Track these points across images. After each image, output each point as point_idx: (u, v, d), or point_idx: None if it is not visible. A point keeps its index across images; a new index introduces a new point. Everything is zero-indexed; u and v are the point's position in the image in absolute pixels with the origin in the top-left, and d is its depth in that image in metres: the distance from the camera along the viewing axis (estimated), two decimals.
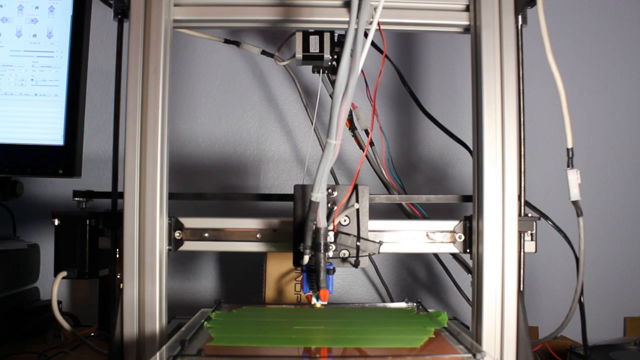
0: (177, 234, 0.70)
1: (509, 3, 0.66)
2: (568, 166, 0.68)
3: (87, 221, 0.75)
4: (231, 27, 0.92)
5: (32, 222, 1.15)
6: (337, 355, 0.57)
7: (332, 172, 0.99)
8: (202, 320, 0.66)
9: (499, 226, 0.65)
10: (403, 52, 1.20)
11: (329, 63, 0.75)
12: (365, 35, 0.57)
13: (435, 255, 1.03)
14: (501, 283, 0.64)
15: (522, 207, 0.68)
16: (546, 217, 0.80)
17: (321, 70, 0.81)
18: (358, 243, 0.66)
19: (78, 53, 0.93)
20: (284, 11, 0.69)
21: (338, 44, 0.74)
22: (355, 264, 0.66)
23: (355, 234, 0.67)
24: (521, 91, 0.67)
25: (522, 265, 0.66)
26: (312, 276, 0.64)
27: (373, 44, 0.85)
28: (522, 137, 0.67)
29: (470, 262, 0.70)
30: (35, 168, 0.92)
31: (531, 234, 0.68)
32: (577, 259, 0.70)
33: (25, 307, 1.01)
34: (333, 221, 0.65)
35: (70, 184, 0.97)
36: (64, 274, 0.74)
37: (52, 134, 0.93)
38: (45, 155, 0.92)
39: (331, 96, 0.68)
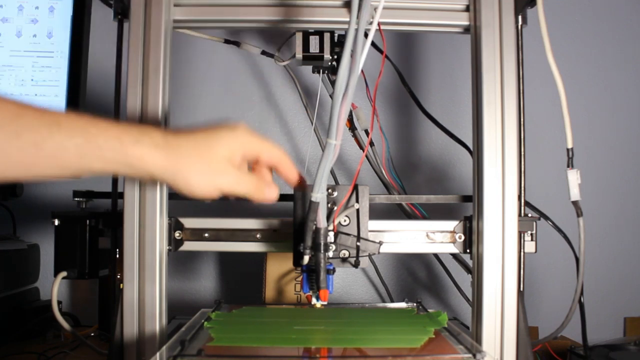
0: (177, 234, 0.70)
1: (509, 3, 0.66)
2: (568, 166, 0.68)
3: (87, 221, 0.75)
4: (231, 27, 0.92)
5: (32, 222, 1.15)
6: (337, 355, 0.57)
7: (332, 172, 0.99)
8: (202, 320, 0.66)
9: (499, 226, 0.65)
10: (403, 52, 1.20)
11: (329, 63, 0.75)
12: (366, 35, 0.57)
13: (435, 255, 1.03)
14: (501, 283, 0.64)
15: (522, 207, 0.68)
16: (546, 217, 0.80)
17: (321, 70, 0.81)
18: (358, 243, 0.66)
19: (78, 53, 0.93)
20: (284, 11, 0.69)
21: (338, 44, 0.74)
22: (355, 264, 0.66)
23: (355, 234, 0.67)
24: (521, 91, 0.67)
25: (522, 265, 0.66)
26: (312, 276, 0.64)
27: (373, 44, 0.85)
28: (522, 137, 0.67)
29: (470, 262, 0.70)
30: None
31: (531, 234, 0.68)
32: (577, 259, 0.70)
33: (25, 307, 1.01)
34: (333, 221, 0.65)
35: (70, 184, 0.97)
36: (64, 274, 0.74)
37: None
38: None
39: (331, 96, 0.68)
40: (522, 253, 0.67)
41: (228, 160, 0.52)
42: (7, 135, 0.41)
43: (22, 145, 0.42)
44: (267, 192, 0.56)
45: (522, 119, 0.67)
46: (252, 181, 0.55)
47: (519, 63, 0.67)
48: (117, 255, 0.66)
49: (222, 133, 0.52)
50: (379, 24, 0.62)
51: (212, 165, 0.51)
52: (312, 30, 0.73)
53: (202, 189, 0.51)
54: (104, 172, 0.47)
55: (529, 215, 0.68)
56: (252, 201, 0.57)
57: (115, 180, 0.69)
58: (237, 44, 0.87)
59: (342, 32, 0.73)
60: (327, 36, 0.73)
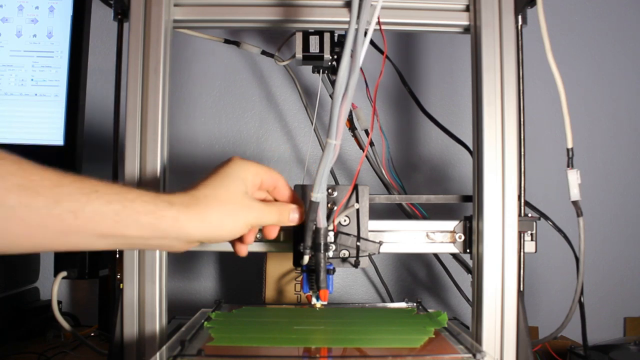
0: None
1: (509, 3, 0.66)
2: (568, 166, 0.68)
3: None
4: (231, 27, 0.92)
5: None
6: (337, 355, 0.57)
7: (332, 172, 0.99)
8: (202, 320, 0.66)
9: (499, 226, 0.65)
10: (403, 52, 1.20)
11: (329, 63, 0.75)
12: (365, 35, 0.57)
13: (435, 255, 1.03)
14: (501, 283, 0.64)
15: (522, 207, 0.68)
16: (546, 217, 0.80)
17: (321, 70, 0.81)
18: (358, 243, 0.66)
19: (78, 53, 0.93)
20: (284, 11, 0.69)
21: (338, 44, 0.74)
22: (355, 264, 0.66)
23: (355, 234, 0.67)
24: (521, 91, 0.67)
25: (522, 265, 0.66)
26: (312, 276, 0.64)
27: (374, 44, 0.86)
28: (522, 137, 0.67)
29: (470, 262, 0.70)
30: None
31: (531, 234, 0.68)
32: (577, 259, 0.70)
33: (25, 307, 1.01)
34: (333, 221, 0.65)
35: None
36: (64, 274, 0.74)
37: (52, 134, 0.93)
38: (45, 155, 0.92)
39: (331, 96, 0.68)
40: (522, 253, 0.66)
41: (246, 194, 0.54)
42: (47, 203, 0.42)
43: (60, 213, 0.43)
44: (292, 214, 0.58)
45: (522, 119, 0.67)
46: (274, 208, 0.57)
47: (519, 63, 0.67)
48: (117, 255, 0.66)
49: (228, 171, 0.54)
50: (379, 22, 0.62)
51: (236, 205, 0.53)
52: (312, 30, 0.73)
53: (237, 229, 0.53)
54: (138, 239, 0.48)
55: (529, 215, 0.68)
56: (270, 233, 0.59)
57: (115, 181, 0.69)
58: (237, 44, 0.87)
59: (342, 32, 0.73)
60: (327, 36, 0.73)
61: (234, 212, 0.52)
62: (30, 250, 0.45)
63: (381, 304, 0.87)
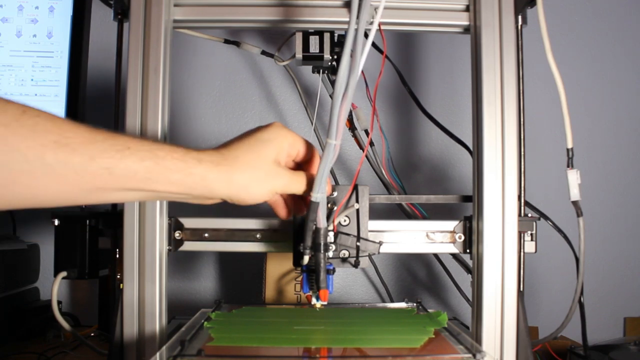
0: (177, 234, 0.70)
1: (509, 3, 0.66)
2: (568, 166, 0.68)
3: (87, 221, 0.75)
4: (231, 27, 0.92)
5: (32, 222, 1.15)
6: (337, 355, 0.57)
7: (332, 172, 0.99)
8: (202, 320, 0.66)
9: (499, 226, 0.65)
10: (403, 52, 1.20)
11: (329, 63, 0.75)
12: (366, 35, 0.57)
13: (435, 255, 1.03)
14: (501, 283, 0.64)
15: (522, 207, 0.68)
16: (546, 217, 0.80)
17: (321, 70, 0.81)
18: (358, 243, 0.66)
19: (78, 53, 0.93)
20: (284, 11, 0.69)
21: (338, 44, 0.74)
22: (355, 264, 0.66)
23: (355, 234, 0.67)
24: (521, 91, 0.67)
25: (522, 265, 0.66)
26: (312, 276, 0.64)
27: (373, 44, 0.85)
28: (522, 137, 0.67)
29: (470, 262, 0.70)
30: None
31: (531, 234, 0.68)
32: (577, 259, 0.70)
33: (25, 307, 1.01)
34: (333, 221, 0.65)
35: None
36: (64, 274, 0.74)
37: None
38: None
39: (331, 96, 0.68)
40: (522, 253, 0.66)
41: (276, 162, 0.55)
42: (83, 160, 0.43)
43: (95, 169, 0.43)
44: None
45: (522, 119, 0.67)
46: (303, 178, 0.57)
47: (519, 63, 0.67)
48: (117, 255, 0.66)
49: (264, 136, 0.55)
50: (379, 24, 0.62)
51: (265, 171, 0.53)
52: (312, 30, 0.73)
53: (262, 195, 0.54)
54: (166, 194, 0.49)
55: (529, 215, 0.68)
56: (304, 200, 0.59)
57: None
58: (237, 44, 0.87)
59: (342, 32, 0.73)
60: (327, 36, 0.73)
61: (260, 178, 0.53)
62: (62, 204, 0.46)
63: (381, 304, 0.87)
